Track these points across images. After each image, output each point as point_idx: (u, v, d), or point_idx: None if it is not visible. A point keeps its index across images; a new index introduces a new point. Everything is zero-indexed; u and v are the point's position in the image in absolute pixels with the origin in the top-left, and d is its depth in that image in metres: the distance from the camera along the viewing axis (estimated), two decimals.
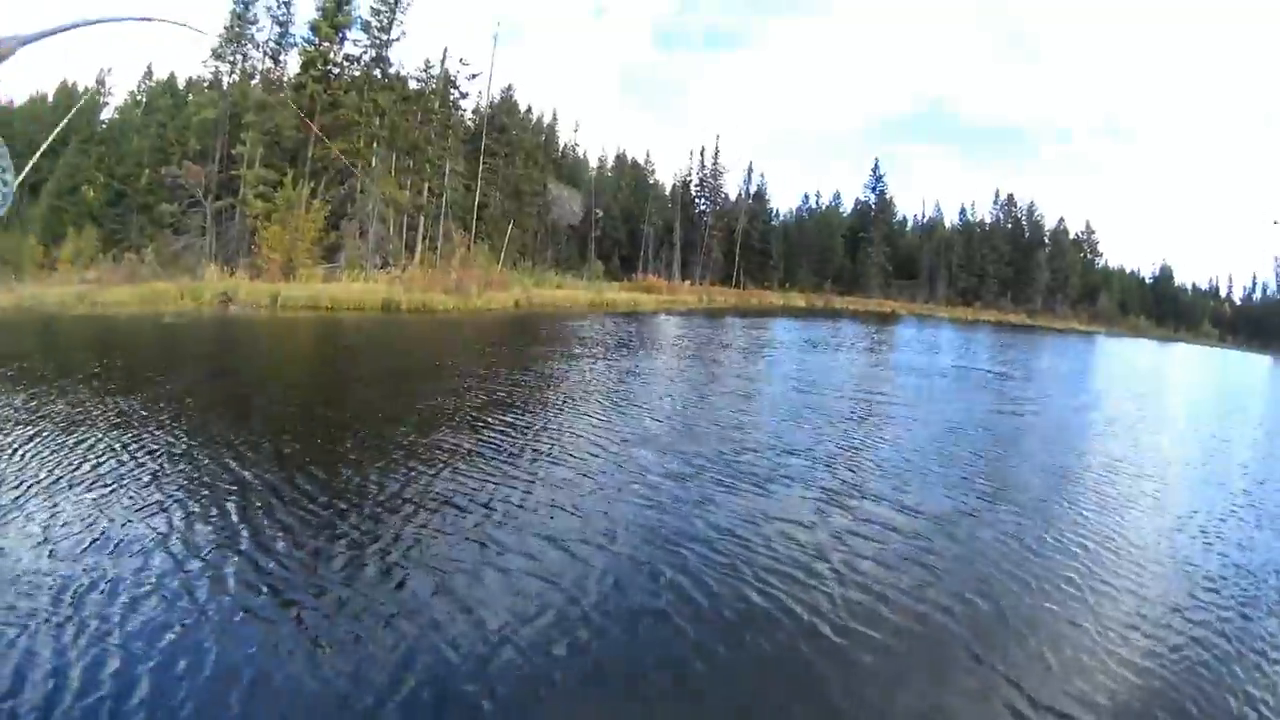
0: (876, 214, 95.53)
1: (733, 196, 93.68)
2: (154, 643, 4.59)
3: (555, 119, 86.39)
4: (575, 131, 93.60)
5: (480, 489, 8.11)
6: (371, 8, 48.23)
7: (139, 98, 61.21)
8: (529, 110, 77.07)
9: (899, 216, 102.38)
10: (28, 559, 5.64)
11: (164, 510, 6.85)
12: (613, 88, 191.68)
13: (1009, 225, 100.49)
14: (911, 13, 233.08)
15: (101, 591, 5.18)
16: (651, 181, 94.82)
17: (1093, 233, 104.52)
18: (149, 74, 62.75)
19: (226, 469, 8.21)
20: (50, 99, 65.26)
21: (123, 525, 6.39)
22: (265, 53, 48.58)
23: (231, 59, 47.58)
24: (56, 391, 11.48)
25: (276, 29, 48.43)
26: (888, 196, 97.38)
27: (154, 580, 5.40)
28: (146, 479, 7.73)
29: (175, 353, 18.25)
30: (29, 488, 7.23)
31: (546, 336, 27.61)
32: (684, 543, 6.91)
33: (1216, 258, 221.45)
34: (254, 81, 47.35)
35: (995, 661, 5.20)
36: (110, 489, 7.33)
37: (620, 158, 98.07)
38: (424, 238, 52.17)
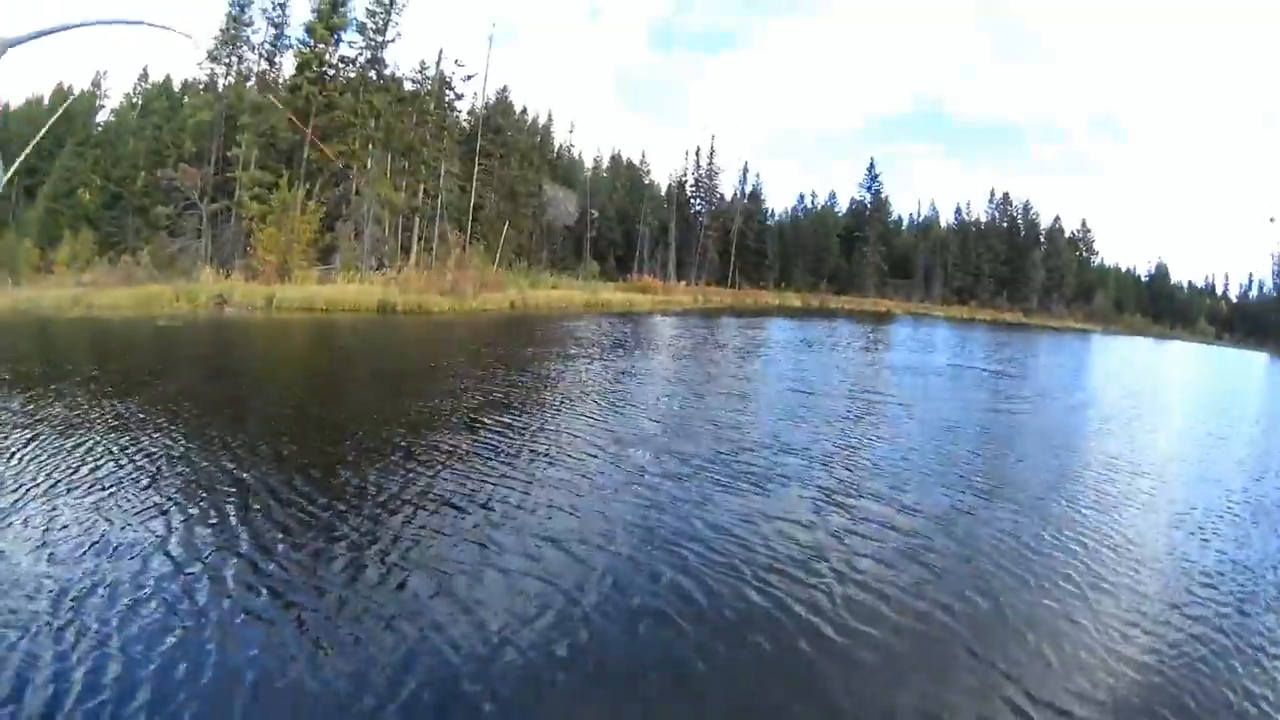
0: (872, 213, 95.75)
1: (728, 196, 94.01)
2: (154, 646, 4.58)
3: (550, 120, 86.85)
4: (570, 132, 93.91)
5: (479, 490, 8.10)
6: (367, 9, 48.37)
7: (135, 100, 61.36)
8: (524, 111, 77.46)
9: (894, 216, 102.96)
10: (27, 563, 5.62)
11: (163, 513, 6.83)
12: (608, 89, 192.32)
13: (1004, 224, 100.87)
14: (908, 12, 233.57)
15: (101, 595, 5.16)
16: (647, 182, 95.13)
17: (1088, 231, 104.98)
18: (144, 76, 62.97)
19: (224, 471, 8.21)
20: (46, 101, 65.23)
21: (121, 528, 6.37)
22: (260, 55, 48.69)
23: (227, 61, 47.66)
24: (53, 395, 11.46)
25: (272, 31, 48.58)
26: (883, 196, 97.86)
27: (153, 583, 5.39)
28: (145, 482, 7.71)
29: (171, 355, 18.22)
30: (27, 491, 7.21)
31: (542, 337, 27.58)
32: (683, 542, 6.91)
33: (1212, 256, 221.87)
34: (249, 83, 47.38)
35: (995, 659, 5.20)
36: (108, 492, 7.31)
37: (615, 158, 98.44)
38: (419, 239, 52.21)
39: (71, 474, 7.81)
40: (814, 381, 19.10)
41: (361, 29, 48.30)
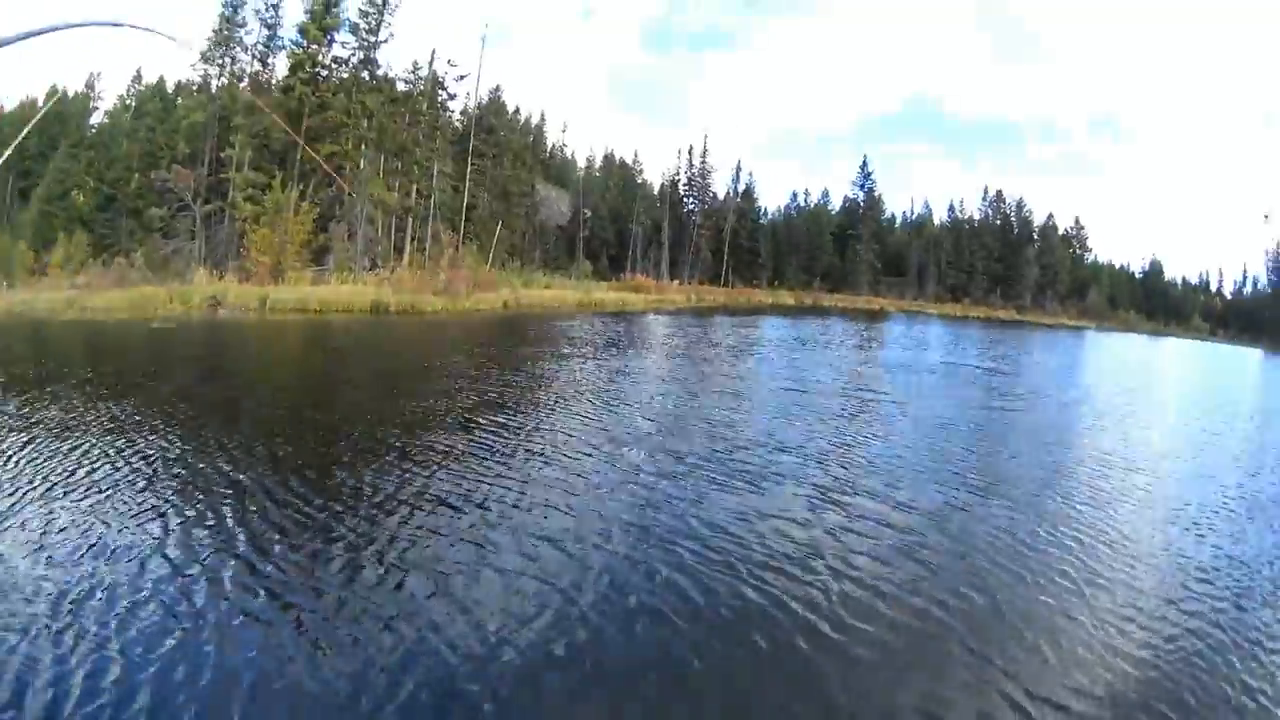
0: (865, 211, 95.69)
1: (721, 195, 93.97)
2: (154, 649, 4.60)
3: (544, 120, 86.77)
4: (563, 132, 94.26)
5: (475, 490, 8.14)
6: (359, 10, 48.38)
7: (128, 102, 61.20)
8: (517, 111, 77.37)
9: (888, 214, 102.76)
10: (25, 566, 5.64)
11: (160, 515, 6.85)
12: (601, 88, 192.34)
13: (998, 222, 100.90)
14: (907, 11, 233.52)
15: (100, 598, 5.18)
16: (640, 181, 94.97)
17: (1082, 228, 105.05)
18: (138, 78, 62.82)
19: (220, 473, 8.23)
20: (40, 104, 65.19)
21: (119, 531, 6.39)
22: (254, 55, 48.63)
23: (220, 62, 47.60)
24: (49, 397, 11.49)
25: (265, 32, 48.50)
26: (876, 194, 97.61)
27: (151, 586, 5.41)
28: (141, 484, 7.73)
29: (165, 357, 18.18)
30: (25, 494, 7.23)
31: (536, 337, 27.64)
32: (679, 541, 6.94)
33: (1207, 252, 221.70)
34: (242, 84, 47.36)
35: (992, 654, 5.24)
36: (105, 495, 7.33)
37: (608, 158, 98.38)
38: (412, 239, 52.14)
39: (68, 477, 7.82)
40: (808, 380, 19.14)
41: (354, 29, 48.37)
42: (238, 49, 47.82)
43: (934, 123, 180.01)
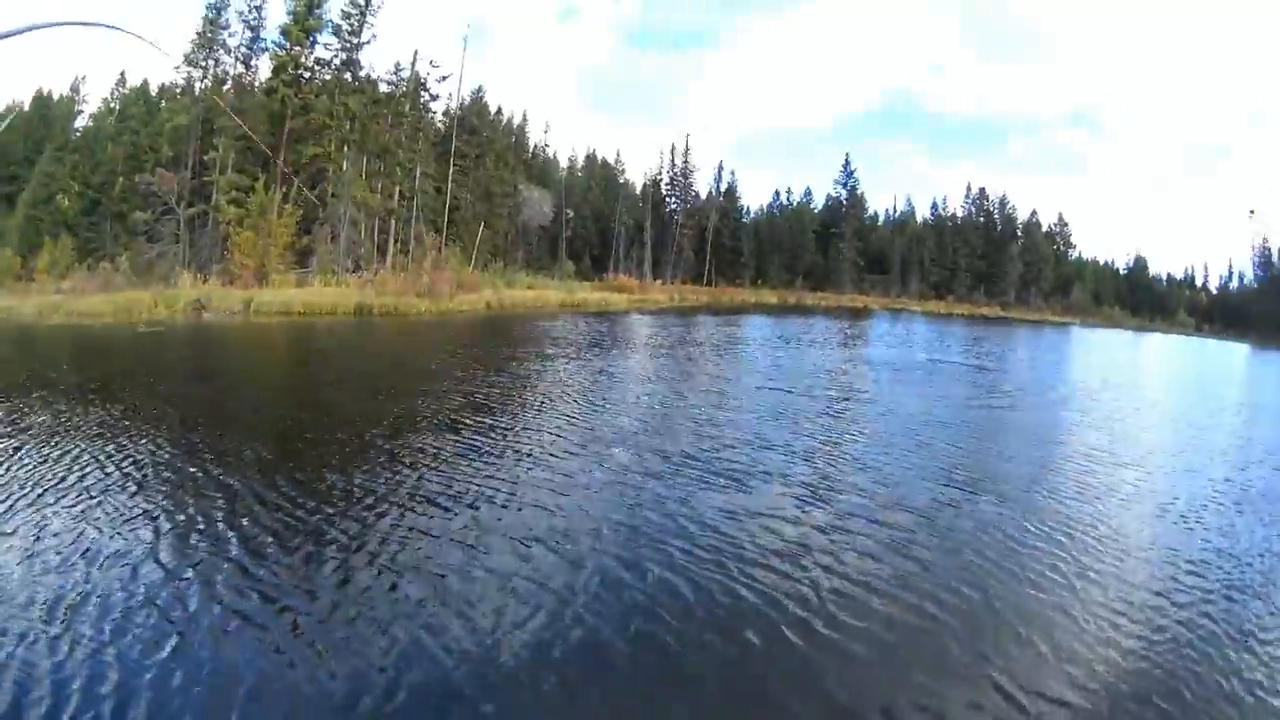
0: (848, 209, 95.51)
1: (703, 194, 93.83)
2: (150, 654, 4.68)
3: (525, 120, 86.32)
4: (545, 132, 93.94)
5: (465, 491, 8.25)
6: (342, 11, 48.23)
7: (112, 105, 60.92)
8: (499, 112, 77.02)
9: (870, 212, 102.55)
10: (19, 572, 5.72)
11: (151, 520, 6.94)
12: (582, 89, 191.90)
13: (981, 219, 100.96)
14: (886, 7, 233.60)
15: (94, 604, 5.26)
16: (622, 181, 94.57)
17: (1065, 225, 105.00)
18: (122, 81, 62.45)
19: (210, 477, 8.32)
20: (27, 107, 65.08)
21: (111, 536, 6.47)
22: (237, 58, 48.60)
23: (203, 65, 47.60)
24: (37, 402, 11.58)
25: (248, 33, 48.47)
26: (859, 192, 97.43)
27: (145, 591, 5.49)
28: (132, 489, 7.83)
29: (151, 362, 18.21)
30: (15, 500, 7.30)
31: (520, 337, 27.72)
32: (669, 540, 7.05)
33: (1191, 249, 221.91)
34: (225, 87, 47.44)
35: (984, 648, 5.38)
36: (96, 500, 7.41)
37: (590, 158, 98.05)
38: (395, 241, 52.04)
39: (59, 482, 7.91)
40: (793, 379, 19.23)
41: (337, 31, 48.20)
42: (221, 51, 47.80)
43: (916, 120, 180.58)
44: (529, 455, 10.00)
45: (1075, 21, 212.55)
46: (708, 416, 13.33)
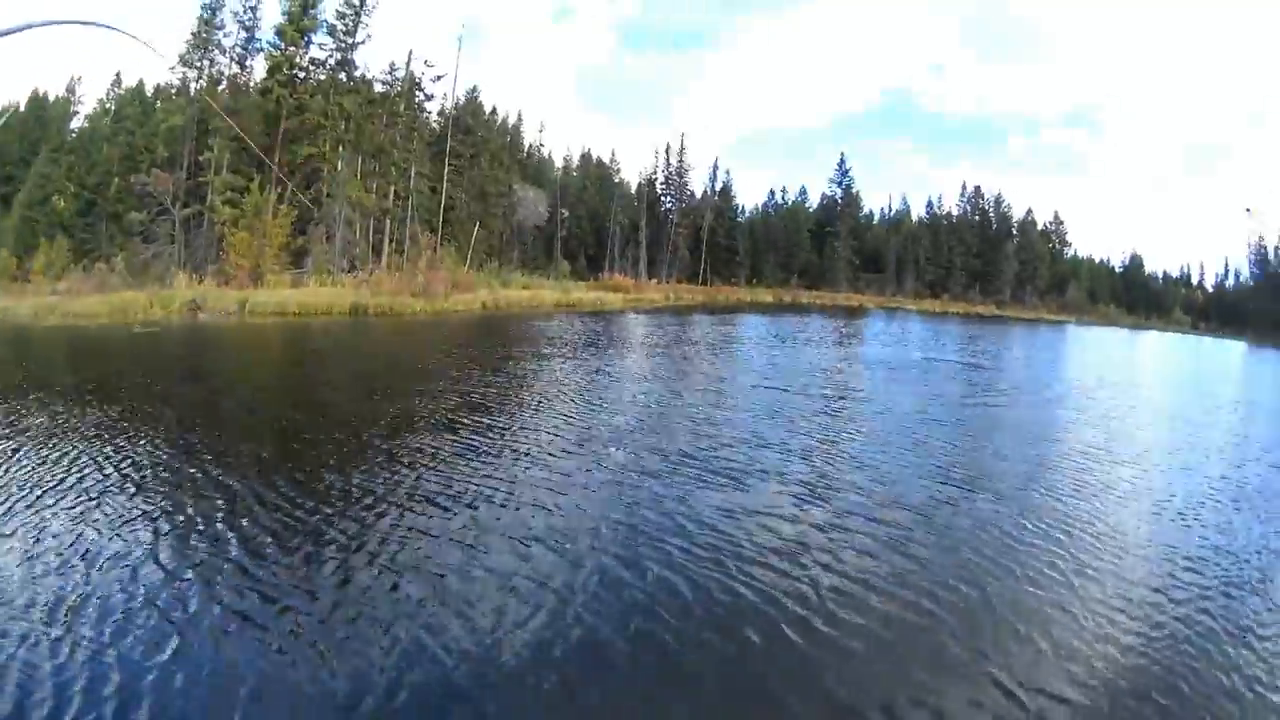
0: (843, 208, 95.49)
1: (698, 194, 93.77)
2: (152, 655, 4.69)
3: (520, 120, 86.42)
4: (540, 132, 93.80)
5: (464, 490, 8.27)
6: (336, 11, 48.27)
7: (108, 106, 60.86)
8: (494, 111, 77.00)
9: (866, 210, 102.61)
10: (19, 574, 5.72)
11: (151, 520, 6.95)
12: (577, 88, 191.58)
13: (976, 217, 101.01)
14: (883, 6, 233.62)
15: (95, 606, 5.26)
16: (617, 180, 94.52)
17: (1061, 223, 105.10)
18: (118, 81, 62.39)
19: (209, 477, 8.34)
20: (22, 108, 64.98)
21: (110, 538, 6.47)
22: (232, 58, 48.54)
23: (198, 65, 47.53)
24: (34, 404, 11.58)
25: (243, 34, 48.41)
26: (854, 191, 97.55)
27: (146, 592, 5.50)
28: (131, 490, 7.84)
29: (147, 363, 18.21)
30: (14, 502, 7.30)
31: (515, 337, 27.74)
32: (668, 538, 7.07)
33: (1187, 247, 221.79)
34: (220, 87, 47.39)
35: (983, 645, 5.41)
36: (95, 501, 7.41)
37: (585, 157, 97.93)
38: (390, 241, 52.08)
39: (57, 483, 7.90)
40: (789, 378, 19.24)
41: (331, 31, 48.21)
42: (216, 51, 47.75)
43: (912, 119, 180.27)
44: (527, 455, 10.01)
45: (1075, 21, 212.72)
46: (705, 415, 13.34)
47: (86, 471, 8.37)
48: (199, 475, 8.45)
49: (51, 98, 65.50)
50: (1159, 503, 9.58)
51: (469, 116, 64.71)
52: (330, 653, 4.86)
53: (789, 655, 5.17)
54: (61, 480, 8.05)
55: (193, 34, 46.68)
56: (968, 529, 7.93)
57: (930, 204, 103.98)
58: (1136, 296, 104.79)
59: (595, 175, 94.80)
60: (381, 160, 51.01)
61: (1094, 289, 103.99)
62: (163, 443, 9.80)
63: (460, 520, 7.38)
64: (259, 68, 48.44)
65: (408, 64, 55.80)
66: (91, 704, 4.22)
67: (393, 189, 52.17)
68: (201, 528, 6.86)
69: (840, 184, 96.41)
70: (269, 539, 6.68)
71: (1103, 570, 6.98)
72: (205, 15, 46.89)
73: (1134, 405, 19.69)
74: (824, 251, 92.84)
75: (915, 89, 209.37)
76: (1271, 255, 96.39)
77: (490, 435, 11.01)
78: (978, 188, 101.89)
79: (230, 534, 6.72)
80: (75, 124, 62.44)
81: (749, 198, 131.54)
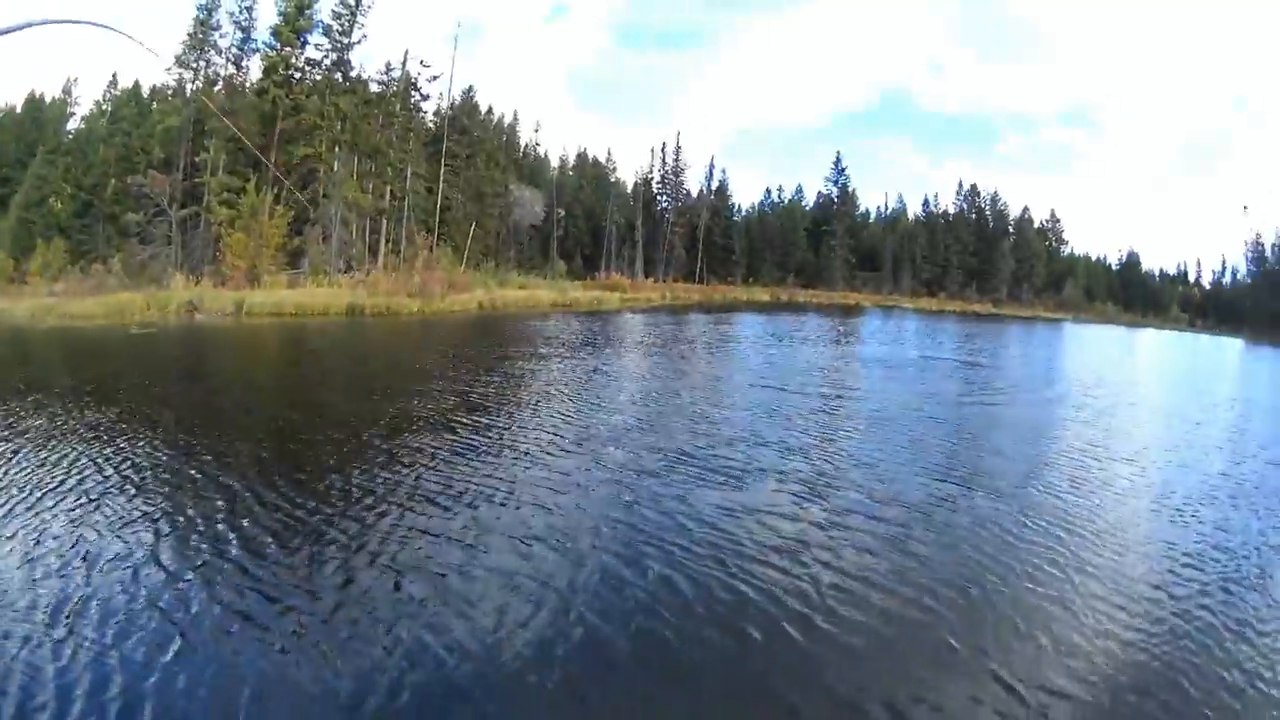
0: (839, 207, 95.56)
1: (694, 193, 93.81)
2: (154, 657, 4.68)
3: (516, 119, 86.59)
4: (536, 131, 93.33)
5: (464, 490, 8.26)
6: (332, 11, 48.33)
7: (104, 107, 60.87)
8: (490, 111, 77.09)
9: (862, 209, 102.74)
10: (20, 577, 5.69)
11: (151, 522, 6.92)
12: (573, 88, 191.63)
13: (973, 215, 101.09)
14: (878, 4, 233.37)
15: (97, 608, 5.24)
16: (613, 180, 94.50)
17: (1057, 221, 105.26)
18: (114, 82, 62.39)
19: (209, 477, 8.32)
20: (19, 110, 64.98)
21: (111, 540, 6.44)
22: (228, 59, 48.55)
23: (194, 66, 47.52)
24: (32, 405, 11.54)
25: (239, 34, 48.42)
26: (850, 189, 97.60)
27: (147, 594, 5.48)
28: (131, 491, 7.81)
29: (145, 363, 18.21)
30: (14, 504, 7.27)
31: (512, 337, 27.73)
32: (668, 537, 7.06)
33: (1183, 244, 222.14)
34: (216, 88, 47.39)
35: (983, 642, 5.41)
36: (95, 503, 7.39)
37: (581, 157, 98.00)
38: (386, 241, 52.11)
39: (57, 485, 7.87)
40: (786, 376, 19.22)
41: (327, 31, 48.33)
42: (212, 52, 47.75)
43: (908, 117, 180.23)
44: (526, 454, 10.00)
45: (1074, 21, 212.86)
46: (703, 414, 13.34)
47: (86, 473, 8.34)
48: (198, 476, 8.44)
49: (48, 99, 65.56)
50: (1157, 499, 9.57)
51: (465, 116, 64.80)
52: (333, 652, 4.85)
53: (790, 652, 5.16)
54: (61, 482, 8.02)
55: (189, 34, 46.80)
56: (967, 526, 7.92)
57: (927, 202, 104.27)
58: (1133, 294, 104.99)
59: (591, 175, 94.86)
60: (378, 160, 51.06)
61: (1091, 287, 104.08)
62: (161, 444, 9.78)
63: (461, 520, 7.37)
64: (255, 68, 48.65)
65: (403, 64, 55.96)
66: (94, 706, 4.21)
67: (389, 189, 52.25)
68: (202, 528, 6.85)
69: (836, 183, 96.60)
70: (269, 539, 6.67)
71: (1102, 567, 6.97)
72: (201, 16, 46.94)
73: (1132, 402, 19.72)
74: (820, 250, 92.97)
75: (915, 88, 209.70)
76: (1269, 253, 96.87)
77: (489, 435, 11.01)
78: (974, 186, 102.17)
79: (231, 534, 6.71)
80: (72, 125, 62.66)
81: (745, 197, 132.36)
